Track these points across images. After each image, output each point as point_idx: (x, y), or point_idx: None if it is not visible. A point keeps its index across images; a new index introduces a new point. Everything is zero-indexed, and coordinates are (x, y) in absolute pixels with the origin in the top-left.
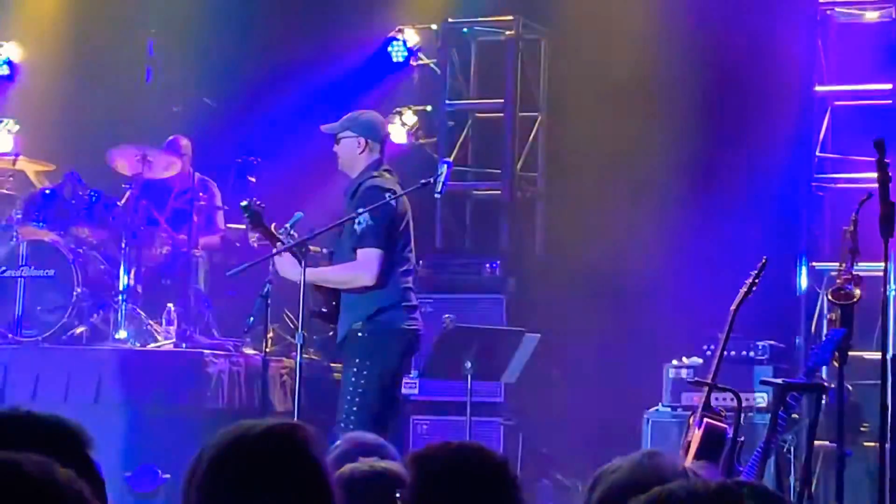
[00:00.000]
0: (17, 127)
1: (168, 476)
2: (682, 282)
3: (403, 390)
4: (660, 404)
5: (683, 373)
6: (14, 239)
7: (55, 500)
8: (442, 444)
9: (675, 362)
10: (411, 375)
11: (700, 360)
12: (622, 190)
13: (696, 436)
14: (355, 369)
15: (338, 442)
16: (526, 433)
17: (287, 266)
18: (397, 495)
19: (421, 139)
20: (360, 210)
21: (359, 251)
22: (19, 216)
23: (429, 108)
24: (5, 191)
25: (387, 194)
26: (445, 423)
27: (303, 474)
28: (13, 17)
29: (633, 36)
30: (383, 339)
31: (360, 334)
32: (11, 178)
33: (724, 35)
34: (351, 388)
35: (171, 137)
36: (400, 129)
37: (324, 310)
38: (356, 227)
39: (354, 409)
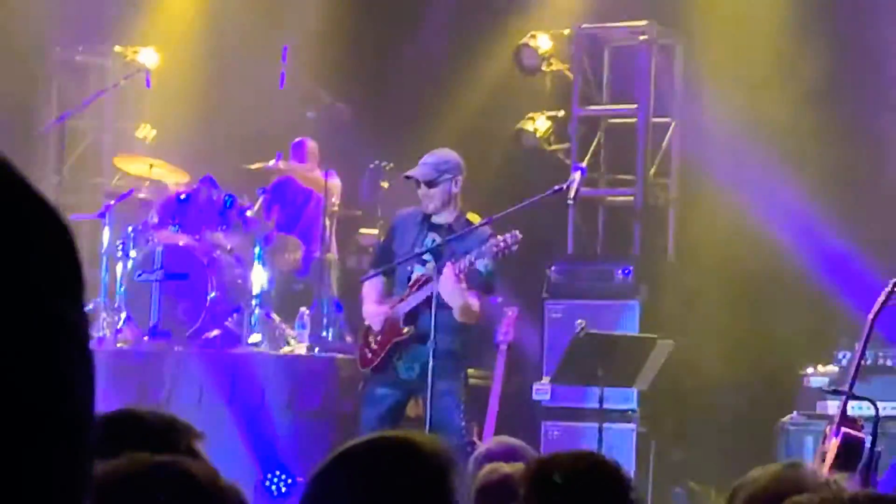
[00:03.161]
0: (154, 132)
1: (301, 479)
2: (817, 287)
3: (535, 396)
4: (794, 412)
5: (818, 381)
6: (150, 243)
7: (190, 495)
8: (561, 453)
9: (810, 370)
10: (542, 381)
11: (836, 368)
12: (754, 196)
13: (832, 445)
14: (460, 383)
15: (483, 444)
16: (658, 440)
17: (453, 284)
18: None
19: (552, 145)
20: (480, 256)
21: (483, 296)
22: (155, 220)
23: (560, 113)
24: (142, 195)
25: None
26: (577, 429)
27: (418, 484)
28: (150, 23)
29: (769, 39)
30: (470, 358)
31: (459, 353)
32: (147, 184)
33: (868, 31)
34: (461, 399)
35: (296, 140)
36: (531, 134)
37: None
38: (481, 269)
39: (463, 415)
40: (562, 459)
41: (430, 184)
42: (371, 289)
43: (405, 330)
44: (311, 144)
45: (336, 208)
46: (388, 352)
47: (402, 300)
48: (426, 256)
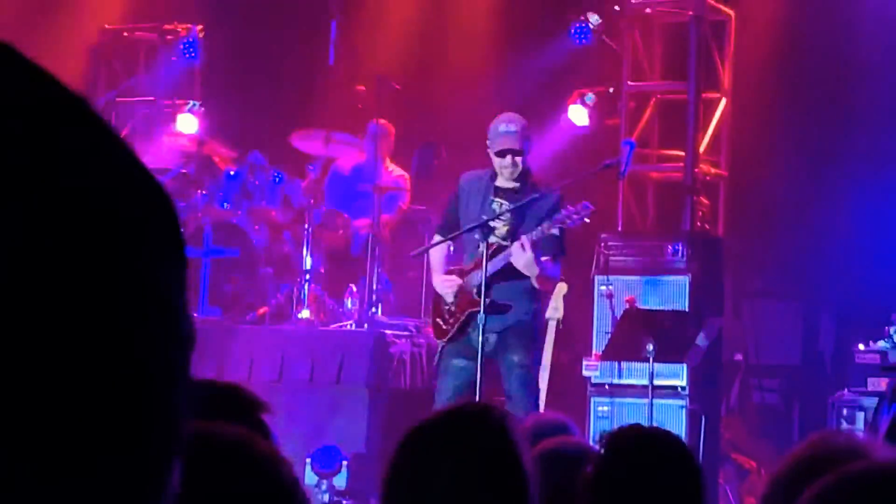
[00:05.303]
0: (202, 109)
1: (349, 456)
2: (868, 264)
3: (585, 372)
4: (846, 389)
5: (870, 357)
6: (198, 220)
7: (252, 472)
8: (633, 426)
9: (861, 346)
10: (592, 357)
11: (888, 345)
12: (806, 173)
13: (884, 421)
14: (532, 354)
15: (529, 418)
16: (708, 416)
17: (529, 255)
18: (588, 470)
19: (601, 120)
20: (553, 226)
21: (557, 260)
22: (204, 197)
23: (611, 89)
24: (190, 172)
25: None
26: (626, 405)
27: (495, 452)
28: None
29: (821, 17)
30: (543, 329)
31: (533, 324)
32: (196, 160)
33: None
34: (527, 371)
35: (378, 123)
36: (581, 110)
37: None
38: (555, 233)
39: (529, 388)
40: (629, 433)
41: (520, 152)
42: (438, 257)
43: (479, 301)
44: (387, 125)
45: (384, 184)
46: (463, 322)
47: (472, 269)
48: (494, 223)
